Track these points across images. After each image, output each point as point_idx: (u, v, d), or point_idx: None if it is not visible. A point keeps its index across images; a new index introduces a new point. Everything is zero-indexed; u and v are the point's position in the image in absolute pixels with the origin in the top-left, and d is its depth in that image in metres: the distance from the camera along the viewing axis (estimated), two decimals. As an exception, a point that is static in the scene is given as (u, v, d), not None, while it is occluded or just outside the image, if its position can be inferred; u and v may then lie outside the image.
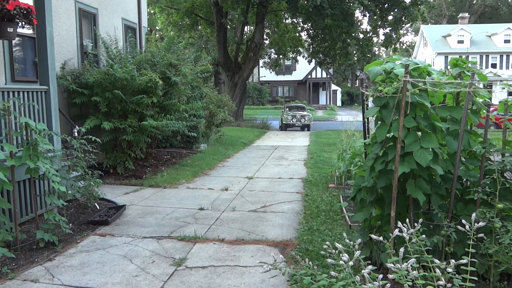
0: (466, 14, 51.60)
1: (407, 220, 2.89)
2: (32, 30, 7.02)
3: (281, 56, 32.31)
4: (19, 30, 6.03)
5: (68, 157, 6.48)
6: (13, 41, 6.89)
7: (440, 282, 2.34)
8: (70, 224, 5.82)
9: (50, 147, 5.22)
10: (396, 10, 22.32)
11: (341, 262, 2.52)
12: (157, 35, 39.97)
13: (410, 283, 2.31)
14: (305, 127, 25.48)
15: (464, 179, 4.22)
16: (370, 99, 4.29)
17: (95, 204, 6.77)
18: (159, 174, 9.54)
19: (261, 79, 52.68)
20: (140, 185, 8.67)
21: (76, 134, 7.21)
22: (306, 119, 25.02)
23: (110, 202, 7.18)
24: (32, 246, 5.09)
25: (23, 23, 5.81)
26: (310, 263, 2.79)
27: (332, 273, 2.51)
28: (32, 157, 4.93)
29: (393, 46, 24.65)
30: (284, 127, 25.26)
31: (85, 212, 6.58)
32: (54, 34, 6.68)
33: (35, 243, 5.11)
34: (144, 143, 9.55)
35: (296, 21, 27.13)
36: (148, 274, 4.40)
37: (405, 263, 2.36)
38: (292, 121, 25.00)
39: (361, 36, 25.34)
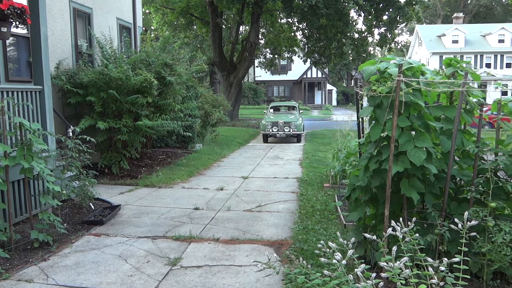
0: (461, 14, 51.83)
1: (401, 219, 2.90)
2: (26, 29, 6.98)
3: (276, 56, 32.32)
4: (13, 29, 6.00)
5: (62, 157, 6.46)
6: (7, 41, 6.86)
7: (433, 281, 2.35)
8: (65, 224, 5.81)
9: (45, 147, 5.20)
10: (391, 10, 22.36)
11: (334, 261, 2.53)
12: (152, 35, 39.85)
13: (403, 282, 2.32)
14: (290, 138, 18.17)
15: (458, 178, 4.25)
16: (365, 98, 4.31)
17: (90, 204, 6.75)
18: (154, 174, 9.52)
19: (256, 79, 52.68)
20: (135, 185, 8.66)
21: (70, 134, 7.19)
22: (292, 127, 17.09)
23: (105, 202, 7.17)
24: (27, 246, 5.07)
25: (17, 22, 5.78)
26: (305, 262, 2.80)
27: (326, 272, 2.52)
28: (27, 157, 4.91)
29: (388, 45, 24.68)
30: (264, 137, 17.79)
31: (80, 212, 6.56)
32: (48, 33, 6.66)
33: (30, 243, 5.09)
34: (139, 143, 9.53)
35: (291, 21, 27.12)
36: (143, 273, 4.40)
37: (398, 262, 2.38)
38: (272, 130, 17.18)
39: (356, 35, 25.37)
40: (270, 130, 17.27)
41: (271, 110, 19.92)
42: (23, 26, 6.16)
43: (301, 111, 20.17)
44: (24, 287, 4.08)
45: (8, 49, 7.06)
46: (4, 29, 5.60)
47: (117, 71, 8.50)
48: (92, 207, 6.76)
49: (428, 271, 2.42)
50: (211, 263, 4.67)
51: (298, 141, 17.64)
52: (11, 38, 6.83)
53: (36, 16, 6.12)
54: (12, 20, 5.65)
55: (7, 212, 5.04)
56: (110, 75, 8.44)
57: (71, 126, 7.70)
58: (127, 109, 8.87)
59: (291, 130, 17.12)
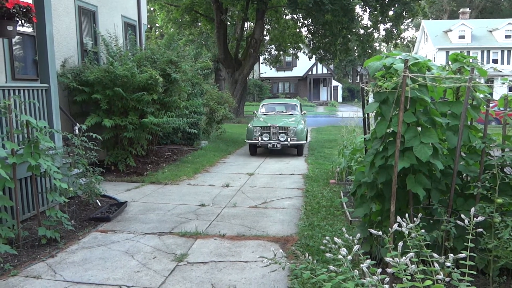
0: (467, 9, 51.38)
1: (407, 215, 2.90)
2: (32, 28, 7.03)
3: (281, 53, 32.24)
4: (19, 28, 6.03)
5: (69, 155, 6.50)
6: (13, 40, 6.91)
7: (439, 276, 2.35)
8: (72, 221, 5.85)
9: (51, 145, 5.24)
10: (396, 5, 22.25)
11: (340, 256, 2.54)
12: (157, 32, 39.89)
13: (409, 277, 2.32)
14: (288, 149, 13.36)
15: (464, 174, 4.23)
16: (371, 94, 4.29)
17: (97, 201, 6.79)
18: (160, 171, 9.56)
19: (261, 75, 52.61)
20: (141, 181, 8.70)
21: (77, 131, 7.23)
22: (290, 134, 12.32)
23: (111, 199, 7.21)
24: (34, 243, 5.12)
25: (23, 21, 5.81)
26: (310, 258, 2.81)
27: (331, 267, 2.52)
28: (34, 154, 4.95)
29: (393, 41, 24.56)
30: (251, 149, 13.07)
31: (86, 209, 6.61)
32: (53, 32, 6.69)
33: (37, 240, 5.13)
34: (145, 140, 9.57)
35: (296, 17, 27.07)
36: (150, 269, 4.43)
37: (404, 258, 2.38)
38: (262, 139, 12.45)
39: (362, 31, 25.27)
40: (259, 138, 12.43)
41: (263, 110, 14.78)
42: (28, 24, 6.20)
43: (303, 112, 14.93)
44: (32, 283, 4.12)
45: (14, 47, 7.12)
46: (10, 28, 5.63)
47: (122, 69, 8.53)
48: (99, 204, 6.81)
49: (434, 267, 2.42)
50: (217, 259, 4.69)
51: (299, 154, 12.89)
52: (17, 37, 6.88)
53: (42, 14, 6.14)
54: (18, 19, 5.69)
55: (14, 209, 5.08)
56: (115, 72, 8.47)
57: (77, 124, 7.74)
58: (133, 107, 8.90)
59: (288, 139, 12.30)
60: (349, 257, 2.55)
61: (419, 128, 3.86)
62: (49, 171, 5.06)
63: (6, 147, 4.88)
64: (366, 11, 24.14)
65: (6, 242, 4.73)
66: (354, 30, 24.48)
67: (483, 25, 47.05)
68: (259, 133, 12.49)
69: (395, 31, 23.95)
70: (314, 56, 29.00)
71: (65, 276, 4.28)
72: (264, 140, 12.45)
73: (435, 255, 2.51)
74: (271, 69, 45.98)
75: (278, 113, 14.55)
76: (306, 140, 13.59)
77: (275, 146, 12.38)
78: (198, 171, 9.98)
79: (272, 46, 32.66)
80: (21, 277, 4.25)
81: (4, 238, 4.70)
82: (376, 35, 26.18)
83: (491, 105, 4.11)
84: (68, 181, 5.88)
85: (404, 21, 25.30)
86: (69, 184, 5.81)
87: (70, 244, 5.18)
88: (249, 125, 13.08)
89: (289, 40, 29.07)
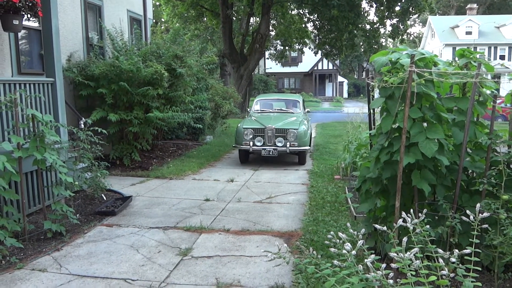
0: (475, 5, 50.91)
1: (412, 210, 2.89)
2: (37, 22, 7.05)
3: (287, 48, 32.11)
4: (25, 22, 6.05)
5: (75, 149, 6.53)
6: (19, 34, 6.93)
7: (443, 272, 2.34)
8: (77, 215, 5.88)
9: (57, 139, 5.26)
10: (403, 0, 22.08)
11: (344, 251, 2.53)
12: (162, 27, 39.90)
13: (414, 273, 2.32)
14: (287, 156, 10.94)
15: (470, 170, 4.21)
16: (376, 90, 4.27)
17: (102, 195, 6.82)
18: (165, 166, 9.59)
19: (267, 70, 52.49)
20: (146, 176, 8.73)
21: (82, 125, 7.25)
22: (290, 138, 9.84)
23: (116, 193, 7.24)
24: (40, 236, 5.15)
25: (29, 15, 5.83)
26: (315, 252, 2.81)
27: (336, 262, 2.52)
28: (39, 148, 4.98)
29: (400, 37, 24.38)
30: (241, 156, 10.52)
31: (92, 203, 6.64)
32: (59, 26, 6.70)
33: (43, 233, 5.17)
34: (150, 135, 9.59)
35: (302, 12, 26.91)
36: (155, 263, 4.45)
37: (409, 253, 2.37)
38: (255, 144, 9.93)
39: (368, 27, 25.09)
40: (250, 142, 9.92)
41: (258, 107, 11.98)
42: (34, 19, 6.22)
43: (307, 110, 12.65)
44: (37, 276, 4.15)
45: (20, 42, 7.15)
46: (16, 22, 5.65)
47: (127, 63, 8.54)
48: (104, 198, 6.84)
49: (439, 262, 2.41)
50: (221, 254, 4.71)
51: (301, 162, 10.41)
52: (23, 31, 6.90)
53: (48, 8, 6.15)
54: (23, 13, 5.71)
55: (20, 203, 5.12)
56: (121, 67, 8.48)
57: (83, 118, 7.76)
58: (138, 101, 8.91)
59: (287, 144, 9.82)
60: (354, 252, 2.55)
61: (425, 124, 3.84)
62: (55, 165, 5.09)
63: (12, 141, 4.90)
64: (373, 7, 23.97)
65: (12, 236, 4.77)
66: (360, 26, 24.30)
67: (491, 21, 46.54)
68: (251, 136, 9.97)
69: (401, 27, 23.76)
70: (319, 52, 28.83)
71: (71, 269, 4.31)
72: (257, 146, 9.91)
73: (440, 250, 2.51)
74: (277, 64, 45.81)
75: (276, 111, 11.78)
76: (310, 145, 11.13)
77: (271, 153, 9.86)
78: (203, 166, 9.99)
79: (278, 41, 32.53)
80: (27, 270, 4.28)
81: (10, 232, 4.73)
82: (382, 30, 25.98)
83: (498, 101, 4.08)
84: (74, 175, 5.91)
85: (411, 16, 25.05)
86: (75, 178, 5.84)
87: (75, 238, 5.22)
88: (239, 125, 10.51)
89: (295, 35, 28.93)
